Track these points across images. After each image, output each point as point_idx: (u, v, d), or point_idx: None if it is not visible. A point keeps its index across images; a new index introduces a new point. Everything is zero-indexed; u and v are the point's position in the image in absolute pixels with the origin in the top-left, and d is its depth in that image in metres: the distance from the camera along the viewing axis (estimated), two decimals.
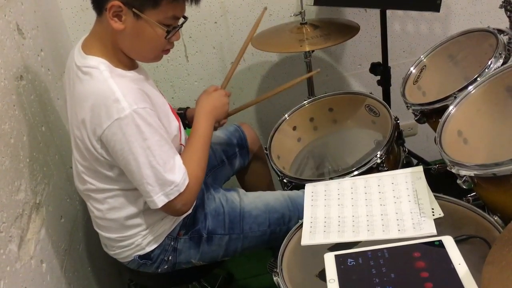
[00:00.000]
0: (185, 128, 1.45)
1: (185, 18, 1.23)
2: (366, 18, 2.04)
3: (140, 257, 1.33)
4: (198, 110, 1.37)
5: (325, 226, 1.16)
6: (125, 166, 1.16)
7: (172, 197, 1.18)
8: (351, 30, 1.73)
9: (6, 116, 1.15)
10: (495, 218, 1.03)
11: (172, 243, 1.34)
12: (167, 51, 1.25)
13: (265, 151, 1.62)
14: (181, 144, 1.35)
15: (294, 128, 1.75)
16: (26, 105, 1.28)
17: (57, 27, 1.74)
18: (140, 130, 1.12)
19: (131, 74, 1.22)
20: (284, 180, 1.49)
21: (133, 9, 1.12)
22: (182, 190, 1.19)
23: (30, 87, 1.33)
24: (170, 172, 1.17)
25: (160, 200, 1.17)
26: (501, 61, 1.30)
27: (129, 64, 1.23)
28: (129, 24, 1.14)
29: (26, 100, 1.28)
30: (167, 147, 1.18)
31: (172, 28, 1.18)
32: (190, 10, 1.88)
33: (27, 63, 1.34)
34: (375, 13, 1.95)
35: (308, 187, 1.32)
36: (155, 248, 1.32)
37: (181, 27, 1.21)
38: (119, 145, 1.13)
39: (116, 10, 1.11)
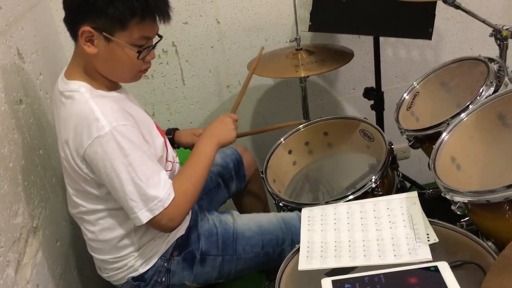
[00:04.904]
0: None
1: (160, 36, 1.25)
2: (360, 44, 2.08)
3: (134, 278, 1.32)
4: (204, 131, 1.40)
5: (321, 251, 1.17)
6: (109, 183, 1.17)
7: (156, 213, 1.17)
8: (345, 56, 1.76)
9: (5, 140, 1.16)
10: (489, 244, 1.05)
11: (165, 264, 1.34)
12: (144, 70, 1.26)
13: (261, 175, 1.63)
14: (168, 161, 1.35)
15: (290, 152, 1.76)
16: (25, 128, 1.28)
17: (55, 51, 1.76)
18: (120, 146, 1.13)
19: (112, 94, 1.24)
20: (280, 204, 1.50)
21: (103, 33, 1.14)
22: (166, 205, 1.18)
23: (29, 110, 1.34)
24: (153, 188, 1.16)
25: (144, 216, 1.17)
26: (492, 89, 1.32)
27: (110, 85, 1.25)
28: (102, 47, 1.16)
29: (25, 123, 1.29)
30: (150, 163, 1.19)
31: (143, 49, 1.19)
32: (187, 34, 1.94)
33: (27, 87, 1.35)
34: (368, 39, 1.99)
35: (305, 211, 1.33)
36: (148, 270, 1.32)
37: (155, 46, 1.23)
38: (101, 162, 1.14)
39: (87, 35, 1.14)
